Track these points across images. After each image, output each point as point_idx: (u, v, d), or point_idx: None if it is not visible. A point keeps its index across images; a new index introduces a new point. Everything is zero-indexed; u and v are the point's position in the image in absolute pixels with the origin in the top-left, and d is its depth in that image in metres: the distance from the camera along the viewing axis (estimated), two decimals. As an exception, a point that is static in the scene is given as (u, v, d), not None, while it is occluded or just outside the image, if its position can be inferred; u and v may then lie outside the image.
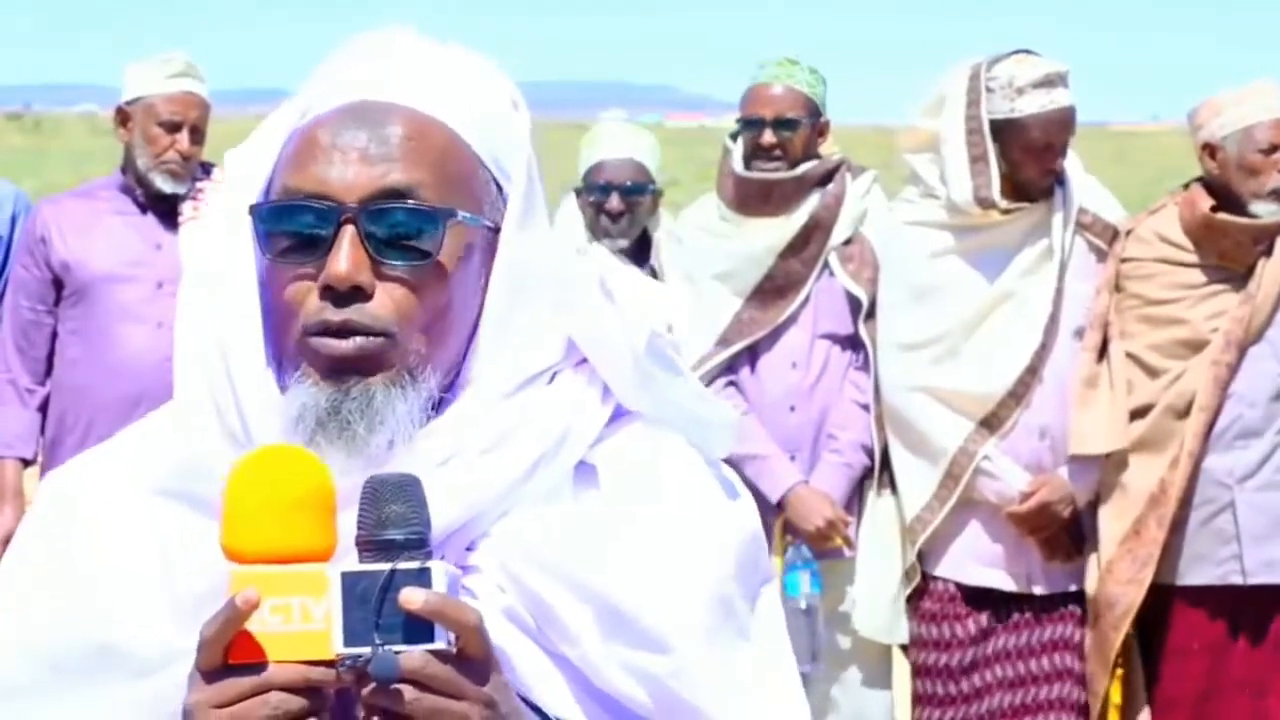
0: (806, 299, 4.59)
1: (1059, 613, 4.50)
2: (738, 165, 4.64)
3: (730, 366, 4.57)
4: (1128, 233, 4.46)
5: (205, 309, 1.53)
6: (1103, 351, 4.43)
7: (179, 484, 1.51)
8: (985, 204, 4.34)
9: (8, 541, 4.64)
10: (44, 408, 4.73)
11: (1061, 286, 4.42)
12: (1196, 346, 4.36)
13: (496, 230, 1.55)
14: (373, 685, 1.32)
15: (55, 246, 4.63)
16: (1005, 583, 4.46)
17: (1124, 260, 4.43)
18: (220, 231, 1.55)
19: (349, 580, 1.33)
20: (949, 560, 4.52)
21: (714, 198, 4.75)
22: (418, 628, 1.32)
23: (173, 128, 4.59)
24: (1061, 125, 4.37)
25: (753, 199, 4.61)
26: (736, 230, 4.63)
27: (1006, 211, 4.38)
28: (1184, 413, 4.34)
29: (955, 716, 4.54)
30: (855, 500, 4.66)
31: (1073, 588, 4.49)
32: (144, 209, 4.68)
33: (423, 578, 1.33)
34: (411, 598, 1.31)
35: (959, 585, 4.52)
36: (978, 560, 4.47)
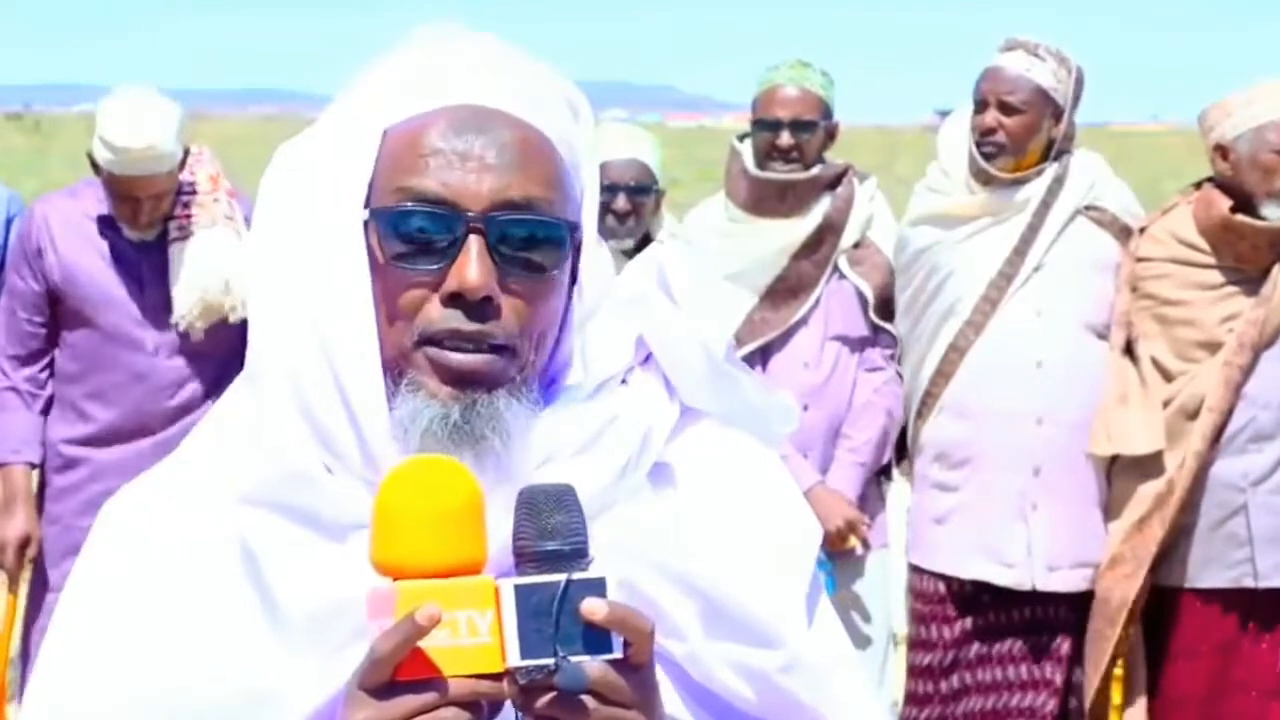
0: (818, 300, 4.61)
1: (1053, 621, 4.50)
2: (751, 166, 4.65)
3: (741, 367, 4.57)
4: (1141, 231, 4.47)
5: (297, 323, 1.48)
6: (1128, 350, 4.43)
7: (275, 495, 1.46)
8: (973, 168, 4.49)
9: (21, 546, 4.68)
10: (47, 410, 4.72)
11: (1013, 273, 4.44)
12: (1210, 348, 4.35)
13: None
14: (551, 696, 1.31)
15: (50, 264, 4.60)
16: (999, 576, 4.45)
17: (1138, 260, 4.44)
18: (293, 234, 1.50)
19: (523, 592, 1.31)
20: (943, 553, 4.52)
21: (721, 198, 4.75)
22: (596, 637, 1.32)
23: (133, 201, 4.51)
24: (997, 79, 4.44)
25: (769, 199, 4.62)
26: (748, 231, 4.64)
27: (989, 181, 4.45)
28: (1195, 414, 4.34)
29: (934, 716, 4.55)
30: (871, 499, 4.69)
31: (1080, 588, 4.48)
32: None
33: (598, 588, 1.32)
34: (595, 608, 1.30)
35: (949, 585, 4.52)
36: (970, 552, 4.47)
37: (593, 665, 1.31)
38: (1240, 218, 4.31)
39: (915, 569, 4.61)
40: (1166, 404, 4.37)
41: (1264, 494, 4.36)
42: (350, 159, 1.50)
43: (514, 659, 1.31)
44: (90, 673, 1.49)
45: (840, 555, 4.58)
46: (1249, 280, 4.35)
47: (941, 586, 4.54)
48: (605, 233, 4.47)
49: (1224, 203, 4.34)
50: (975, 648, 4.52)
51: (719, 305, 1.57)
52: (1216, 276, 4.37)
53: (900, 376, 4.64)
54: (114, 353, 4.59)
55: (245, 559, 1.46)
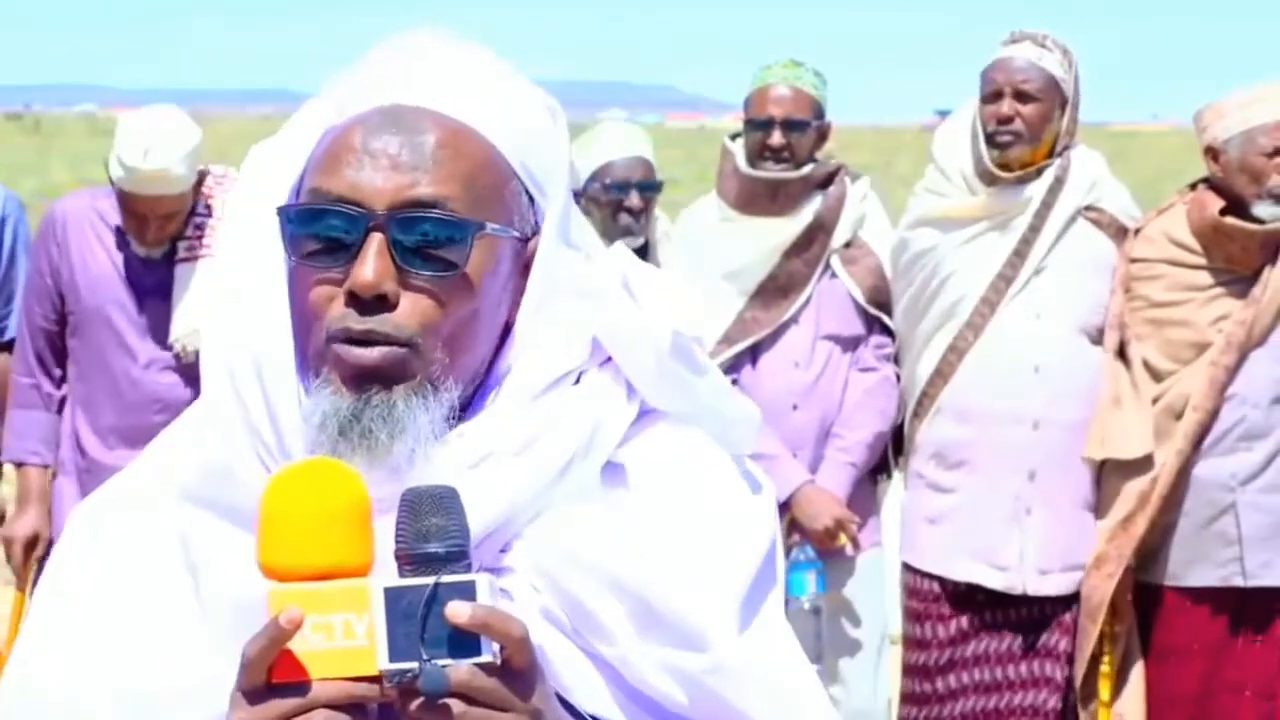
0: (809, 299, 4.61)
1: (1049, 619, 4.50)
2: (743, 165, 4.65)
3: (733, 365, 4.58)
4: (1136, 232, 4.46)
5: (233, 314, 1.51)
6: (1121, 352, 4.43)
7: (208, 490, 1.49)
8: (978, 168, 4.45)
9: (30, 545, 4.72)
10: (60, 410, 4.76)
11: (1013, 275, 4.42)
12: (1202, 349, 4.34)
13: (524, 240, 1.54)
14: (420, 700, 1.31)
15: (58, 261, 4.63)
16: (991, 579, 4.46)
17: (1132, 260, 4.43)
18: (245, 233, 1.53)
19: (392, 595, 1.31)
20: (935, 553, 4.52)
21: (713, 198, 4.75)
22: (464, 641, 1.31)
23: (141, 219, 4.52)
24: (1010, 69, 4.41)
25: (760, 198, 4.62)
26: (739, 229, 4.64)
27: (993, 181, 4.43)
28: (1181, 413, 4.34)
29: (931, 715, 4.55)
30: (865, 498, 4.68)
31: (1072, 590, 4.47)
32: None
33: (467, 591, 1.31)
34: (458, 611, 1.30)
35: (943, 584, 4.52)
36: (964, 555, 4.47)
37: (458, 669, 1.31)
38: (1230, 220, 4.30)
39: (909, 568, 4.61)
40: (1154, 403, 4.37)
41: (1253, 493, 4.36)
42: (288, 160, 1.53)
43: (382, 662, 1.31)
44: (43, 672, 1.53)
45: (831, 555, 4.58)
46: (1240, 281, 4.34)
47: (936, 585, 4.53)
48: (621, 231, 4.48)
49: (1215, 204, 4.33)
50: (972, 646, 4.52)
51: (695, 303, 1.54)
52: (1208, 278, 4.36)
53: (897, 377, 4.64)
54: (107, 358, 4.60)
55: (183, 556, 1.49)
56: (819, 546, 4.56)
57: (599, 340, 1.56)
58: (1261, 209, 4.29)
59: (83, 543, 1.58)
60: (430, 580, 1.31)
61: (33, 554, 4.71)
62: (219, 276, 1.54)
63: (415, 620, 1.30)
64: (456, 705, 1.31)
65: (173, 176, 4.38)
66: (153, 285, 4.58)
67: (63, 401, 4.73)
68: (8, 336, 4.92)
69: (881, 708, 4.73)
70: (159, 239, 4.53)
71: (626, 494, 1.52)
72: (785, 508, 4.54)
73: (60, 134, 45.55)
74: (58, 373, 4.72)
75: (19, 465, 4.76)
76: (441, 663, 1.30)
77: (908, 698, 4.60)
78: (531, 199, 1.55)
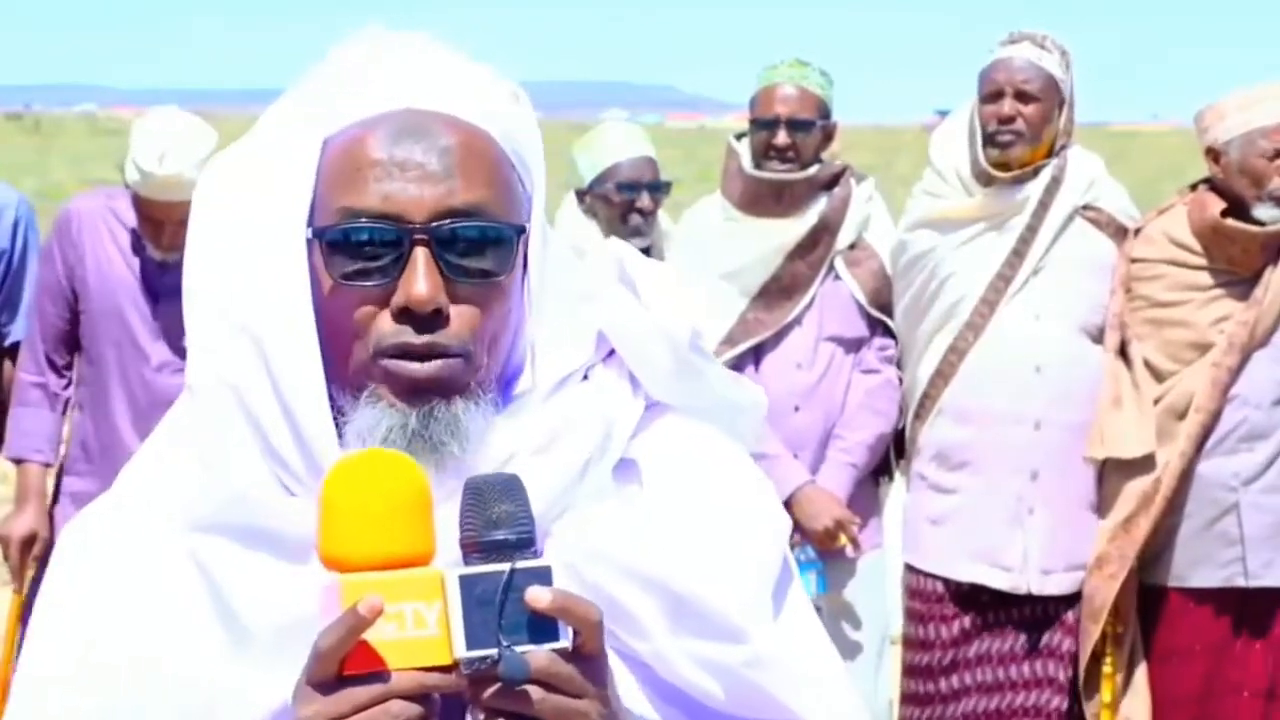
0: (812, 301, 4.61)
1: (1053, 619, 4.50)
2: (748, 165, 4.64)
3: (735, 366, 4.57)
4: (1136, 232, 4.46)
5: (227, 331, 1.48)
6: (1122, 352, 4.43)
7: (226, 518, 1.46)
8: (975, 169, 4.45)
9: (28, 542, 4.72)
10: (65, 409, 4.77)
11: (1011, 275, 4.43)
12: (1202, 349, 4.35)
13: (524, 232, 1.53)
14: (497, 687, 1.30)
15: (73, 260, 4.63)
16: (995, 579, 4.45)
17: (1133, 260, 4.43)
18: (235, 251, 1.50)
19: (467, 582, 1.31)
20: (937, 554, 4.52)
21: (718, 198, 4.75)
22: (541, 627, 1.31)
23: (157, 223, 4.54)
24: (1010, 69, 4.41)
25: (765, 199, 4.62)
26: (743, 230, 4.63)
27: (990, 182, 4.43)
28: (1183, 414, 4.34)
29: (934, 716, 4.55)
30: (866, 500, 4.68)
31: (1075, 590, 4.48)
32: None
33: (543, 576, 1.31)
34: (539, 596, 1.30)
35: (947, 584, 4.52)
36: (967, 556, 4.47)
37: (537, 655, 1.30)
38: (1230, 222, 4.30)
39: (911, 569, 4.61)
40: (1156, 403, 4.37)
41: (1255, 493, 4.36)
42: (290, 174, 1.49)
43: (459, 650, 1.30)
44: (49, 698, 1.49)
45: (831, 555, 4.58)
46: (1241, 282, 4.35)
47: (939, 586, 4.54)
48: (631, 232, 4.49)
49: (1216, 205, 4.33)
50: (975, 646, 4.52)
51: (695, 296, 1.56)
52: (1208, 278, 4.37)
53: (899, 379, 4.64)
54: (119, 359, 4.61)
55: (202, 581, 1.46)
56: (819, 547, 4.56)
57: (603, 335, 1.56)
58: (1262, 211, 4.29)
59: (74, 559, 1.54)
60: (505, 566, 1.31)
61: (29, 553, 4.71)
62: (210, 303, 1.50)
63: (492, 607, 1.30)
64: (535, 691, 1.31)
65: (187, 182, 4.35)
66: (168, 288, 4.58)
67: (69, 402, 4.74)
68: (11, 340, 4.92)
69: (882, 708, 4.73)
70: (174, 244, 4.52)
71: (640, 490, 1.53)
72: (785, 508, 4.53)
73: (60, 134, 45.55)
74: (66, 372, 4.73)
75: (20, 462, 4.77)
76: (520, 649, 1.30)
77: (910, 698, 4.60)
78: (524, 187, 1.54)
